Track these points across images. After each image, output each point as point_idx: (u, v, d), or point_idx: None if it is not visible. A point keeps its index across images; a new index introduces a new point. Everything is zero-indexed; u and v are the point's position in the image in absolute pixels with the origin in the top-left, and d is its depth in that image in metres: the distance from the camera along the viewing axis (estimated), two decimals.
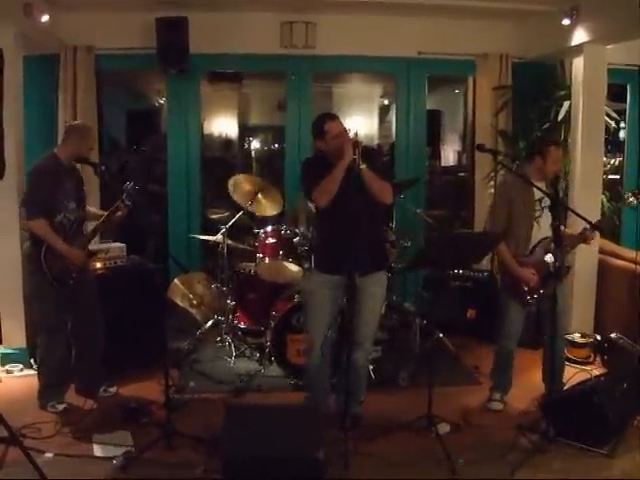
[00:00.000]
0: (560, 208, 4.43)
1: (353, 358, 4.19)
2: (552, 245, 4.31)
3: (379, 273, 4.37)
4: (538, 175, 4.59)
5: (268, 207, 6.00)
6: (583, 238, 4.62)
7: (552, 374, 4.56)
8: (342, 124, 4.25)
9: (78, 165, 4.77)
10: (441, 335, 5.81)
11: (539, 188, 4.40)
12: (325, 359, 4.43)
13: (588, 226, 4.48)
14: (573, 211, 4.49)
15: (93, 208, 5.06)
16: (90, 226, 4.87)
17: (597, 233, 4.76)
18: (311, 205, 4.69)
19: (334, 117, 4.27)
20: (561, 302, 4.54)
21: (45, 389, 4.65)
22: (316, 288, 4.35)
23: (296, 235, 5.41)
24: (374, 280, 4.28)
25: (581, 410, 4.10)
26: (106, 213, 4.67)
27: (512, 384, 4.88)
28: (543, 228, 4.56)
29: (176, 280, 6.10)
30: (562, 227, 4.36)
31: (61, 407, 4.60)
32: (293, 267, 5.43)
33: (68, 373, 4.75)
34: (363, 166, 4.01)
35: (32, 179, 4.55)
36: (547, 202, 4.50)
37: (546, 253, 4.52)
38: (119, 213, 4.61)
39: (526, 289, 4.56)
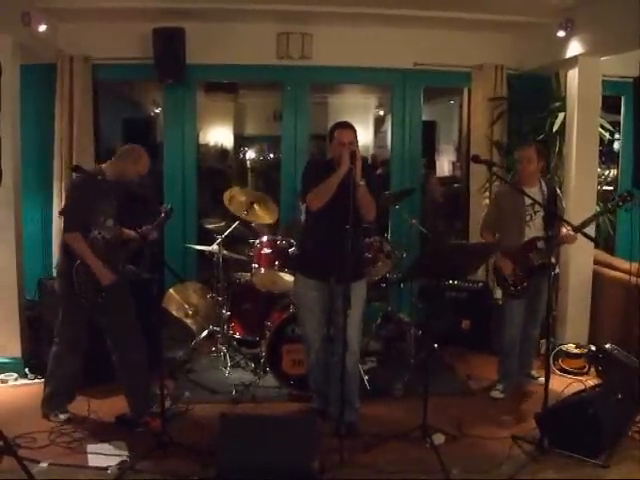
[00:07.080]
0: (554, 215, 4.82)
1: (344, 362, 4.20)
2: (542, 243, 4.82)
3: (362, 280, 4.48)
4: (530, 180, 4.97)
5: (264, 216, 6.00)
6: (565, 238, 4.92)
7: (521, 359, 5.15)
8: (352, 135, 4.31)
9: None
10: (436, 346, 5.82)
11: (528, 195, 4.70)
12: (321, 364, 4.51)
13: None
14: (560, 217, 4.84)
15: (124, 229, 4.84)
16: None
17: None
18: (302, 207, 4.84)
19: (347, 126, 4.36)
20: (544, 297, 4.70)
21: (51, 397, 4.59)
22: (303, 293, 4.48)
23: (291, 245, 5.42)
24: (357, 285, 4.31)
25: (575, 420, 4.10)
26: (138, 235, 4.58)
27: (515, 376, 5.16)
28: (533, 228, 4.97)
29: (171, 290, 6.10)
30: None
31: (64, 417, 4.56)
32: (288, 277, 5.42)
33: (76, 387, 4.69)
34: (362, 182, 4.08)
35: (73, 191, 4.50)
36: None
37: (532, 249, 4.89)
38: (153, 235, 4.59)
39: (511, 280, 4.97)
